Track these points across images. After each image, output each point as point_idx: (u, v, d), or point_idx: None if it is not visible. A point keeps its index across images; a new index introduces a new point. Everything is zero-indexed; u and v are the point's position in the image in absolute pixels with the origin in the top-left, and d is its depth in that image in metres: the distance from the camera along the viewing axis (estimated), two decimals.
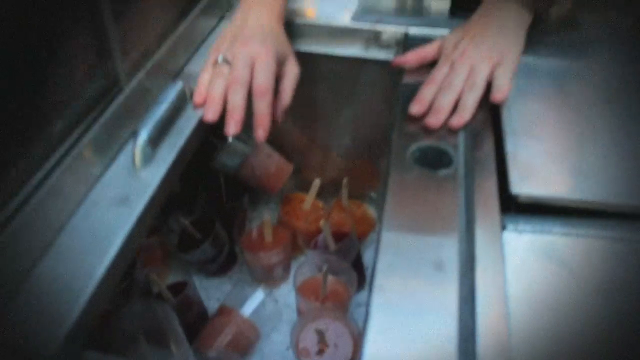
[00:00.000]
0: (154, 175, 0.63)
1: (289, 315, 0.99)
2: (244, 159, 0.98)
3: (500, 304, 0.50)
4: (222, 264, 1.04)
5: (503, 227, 0.56)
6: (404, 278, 0.52)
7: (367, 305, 0.50)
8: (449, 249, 0.54)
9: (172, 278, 0.99)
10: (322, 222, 0.93)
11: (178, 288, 0.91)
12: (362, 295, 1.02)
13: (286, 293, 1.03)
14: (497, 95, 0.70)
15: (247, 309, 0.91)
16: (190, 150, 0.70)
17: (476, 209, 0.58)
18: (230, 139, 0.97)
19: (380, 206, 1.09)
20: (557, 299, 0.52)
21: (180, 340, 0.75)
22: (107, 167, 0.63)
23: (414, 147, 0.64)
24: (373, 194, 1.11)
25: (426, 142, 0.66)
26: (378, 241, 0.56)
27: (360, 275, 1.01)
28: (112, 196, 0.60)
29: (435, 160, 0.64)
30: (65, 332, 0.48)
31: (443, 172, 0.61)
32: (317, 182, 1.02)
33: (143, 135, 0.64)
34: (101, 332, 0.83)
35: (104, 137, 0.63)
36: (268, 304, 0.93)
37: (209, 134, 1.02)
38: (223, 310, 0.91)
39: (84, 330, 0.50)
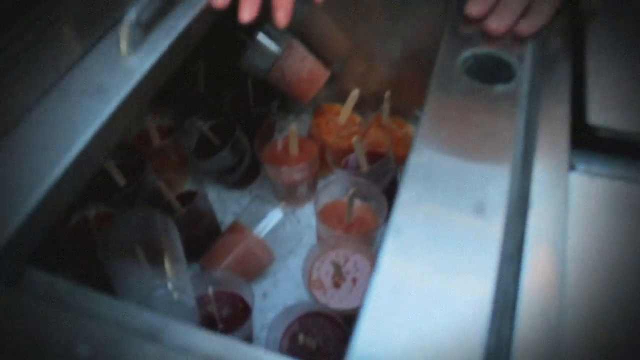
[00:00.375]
0: (141, 63, 0.51)
1: (310, 238, 0.90)
2: (274, 60, 0.85)
3: (553, 266, 0.38)
4: (243, 175, 0.94)
5: (571, 167, 0.42)
6: (431, 220, 0.40)
7: (379, 250, 0.39)
8: (496, 187, 0.41)
9: (190, 188, 0.90)
10: (354, 139, 0.81)
11: (189, 198, 0.82)
12: None
13: (310, 214, 0.93)
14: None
15: (262, 229, 0.81)
16: (193, 38, 0.58)
17: (538, 140, 0.44)
18: (259, 35, 0.85)
19: None
20: (629, 265, 0.39)
21: (176, 257, 0.66)
22: (86, 52, 0.52)
23: (467, 53, 0.50)
24: (419, 113, 0.96)
25: (483, 48, 0.51)
26: (405, 167, 0.43)
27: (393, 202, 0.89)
28: (88, 85, 0.49)
29: (492, 72, 0.49)
30: (4, 241, 0.39)
31: (501, 88, 0.47)
32: (355, 93, 0.89)
33: (131, 16, 0.52)
34: (98, 238, 0.76)
35: (86, 16, 0.52)
36: (288, 224, 0.84)
37: (236, 30, 0.89)
38: (235, 228, 0.82)
39: (30, 240, 0.41)
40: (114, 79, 0.50)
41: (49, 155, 0.44)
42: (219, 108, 0.95)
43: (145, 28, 0.54)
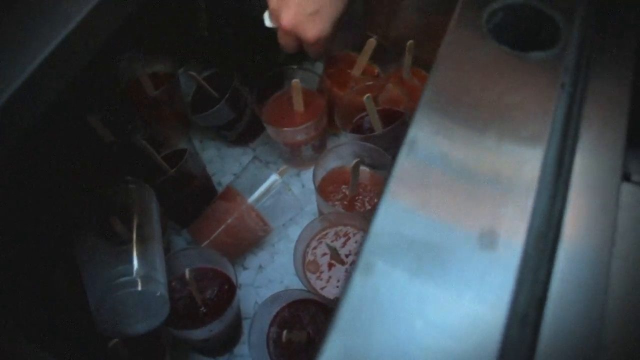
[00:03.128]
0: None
1: (315, 206, 0.80)
2: None
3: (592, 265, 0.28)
4: (244, 131, 0.84)
5: (625, 177, 0.31)
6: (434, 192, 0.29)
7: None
8: (516, 214, 0.30)
9: (182, 144, 0.81)
10: (365, 97, 0.70)
11: (181, 157, 0.73)
12: None
13: None
14: None
15: (259, 197, 0.72)
16: None
17: (581, 135, 0.32)
18: None
19: None
20: None
21: (149, 235, 0.58)
22: None
23: (496, 4, 0.37)
24: None
25: None
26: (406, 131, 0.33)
27: None
28: None
29: (528, 31, 0.37)
30: None
31: (538, 55, 0.35)
32: (372, 42, 0.76)
33: None
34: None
35: None
36: (290, 189, 0.73)
37: None
38: (228, 194, 0.73)
39: None
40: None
41: None
42: (220, 55, 0.84)
43: None
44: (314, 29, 0.59)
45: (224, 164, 0.86)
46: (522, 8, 0.37)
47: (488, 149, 0.31)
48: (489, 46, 0.36)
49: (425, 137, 0.32)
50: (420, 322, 0.26)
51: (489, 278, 0.27)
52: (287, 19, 0.58)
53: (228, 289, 0.64)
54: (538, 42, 0.36)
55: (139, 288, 0.53)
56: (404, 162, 0.31)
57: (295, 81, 0.73)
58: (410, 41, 0.75)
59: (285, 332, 0.56)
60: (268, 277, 0.75)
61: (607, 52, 0.36)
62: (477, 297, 0.26)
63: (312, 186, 0.82)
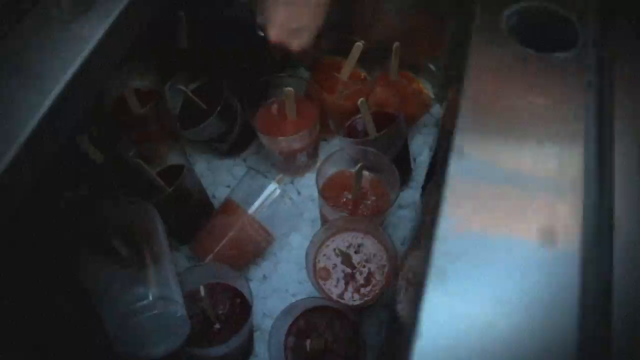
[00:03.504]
0: (93, 25, 0.40)
1: (313, 212, 0.80)
2: None
3: None
4: (234, 143, 0.84)
5: None
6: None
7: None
8: (566, 212, 0.31)
9: (174, 159, 0.79)
10: (360, 101, 0.70)
11: (174, 174, 0.72)
12: (407, 195, 0.82)
13: (311, 184, 0.83)
14: None
15: (259, 207, 0.72)
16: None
17: (615, 121, 0.33)
18: None
19: (440, 82, 0.84)
20: None
21: (159, 255, 0.57)
22: (19, 18, 0.41)
23: (512, 8, 0.39)
24: (432, 66, 0.85)
25: (530, 1, 0.39)
26: (444, 175, 0.33)
27: (404, 169, 0.80)
28: (19, 70, 0.38)
29: (544, 32, 0.38)
30: None
31: (561, 55, 0.36)
32: (359, 46, 0.77)
33: None
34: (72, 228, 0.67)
35: None
36: (287, 197, 0.73)
37: None
38: (228, 207, 0.73)
39: None
40: (53, 60, 0.38)
41: None
42: (205, 66, 0.83)
43: None
44: (297, 42, 0.67)
45: (215, 176, 0.85)
46: (537, 10, 0.39)
47: (531, 151, 0.32)
48: (513, 49, 0.37)
49: (470, 145, 0.33)
50: (502, 323, 0.27)
51: (554, 273, 0.28)
52: (274, 34, 0.66)
53: (240, 303, 0.64)
54: (553, 43, 0.38)
55: (159, 311, 0.52)
56: (454, 170, 0.32)
57: (289, 90, 0.72)
58: (397, 43, 0.76)
59: (308, 341, 0.56)
60: (273, 287, 0.75)
61: (626, 47, 0.37)
62: (545, 293, 0.27)
63: (307, 193, 0.83)
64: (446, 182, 0.31)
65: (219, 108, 0.75)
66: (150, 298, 0.52)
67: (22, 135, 0.35)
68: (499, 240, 0.30)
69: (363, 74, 0.83)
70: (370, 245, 0.65)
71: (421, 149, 0.86)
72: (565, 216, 0.29)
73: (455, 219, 0.31)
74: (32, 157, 0.37)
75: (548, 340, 0.27)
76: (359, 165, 0.64)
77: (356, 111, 0.77)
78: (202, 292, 0.58)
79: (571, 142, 0.32)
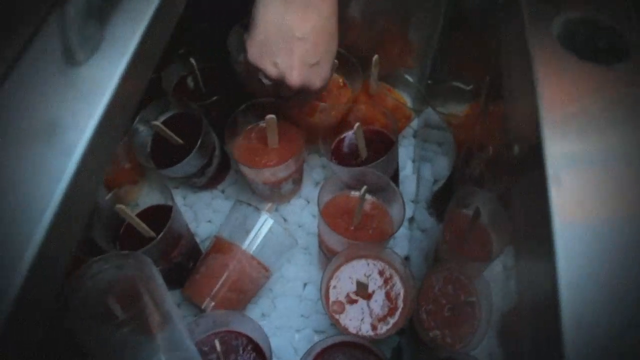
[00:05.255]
0: (105, 71, 0.35)
1: (302, 239, 0.77)
2: None
3: None
4: (212, 175, 0.79)
5: None
6: None
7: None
8: None
9: (147, 198, 0.73)
10: (356, 127, 0.68)
11: (155, 215, 0.67)
12: None
13: (298, 210, 0.80)
14: None
15: (252, 241, 0.67)
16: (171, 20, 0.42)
17: None
18: None
19: (417, 94, 0.82)
20: None
21: (165, 312, 0.52)
22: (13, 65, 0.35)
23: (561, 18, 0.37)
24: (408, 76, 0.83)
25: (574, 12, 0.38)
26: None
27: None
28: (34, 123, 0.33)
29: (588, 43, 0.37)
30: None
31: (620, 67, 0.35)
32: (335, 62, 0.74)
33: (76, 3, 0.35)
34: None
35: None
36: (276, 226, 0.69)
37: None
38: (219, 245, 0.68)
39: None
40: (69, 108, 0.33)
41: None
42: (167, 96, 0.77)
43: (97, 13, 0.37)
44: (319, 78, 0.58)
45: (195, 211, 0.79)
46: (582, 21, 0.38)
47: (629, 167, 0.30)
48: (570, 61, 0.35)
49: (565, 168, 0.31)
50: None
51: None
52: (295, 79, 0.56)
53: (253, 349, 0.59)
54: (598, 53, 0.37)
55: None
56: (556, 197, 0.30)
57: (271, 117, 0.68)
58: (376, 56, 0.74)
59: None
60: (275, 325, 0.70)
61: None
62: None
63: (294, 219, 0.79)
64: (552, 217, 0.29)
65: (198, 143, 0.69)
66: None
67: None
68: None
69: (341, 78, 0.80)
70: (385, 269, 0.62)
71: (404, 163, 0.84)
72: None
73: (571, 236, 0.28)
74: None
75: None
76: (363, 188, 0.61)
77: (340, 127, 0.75)
78: (219, 347, 0.53)
79: None
